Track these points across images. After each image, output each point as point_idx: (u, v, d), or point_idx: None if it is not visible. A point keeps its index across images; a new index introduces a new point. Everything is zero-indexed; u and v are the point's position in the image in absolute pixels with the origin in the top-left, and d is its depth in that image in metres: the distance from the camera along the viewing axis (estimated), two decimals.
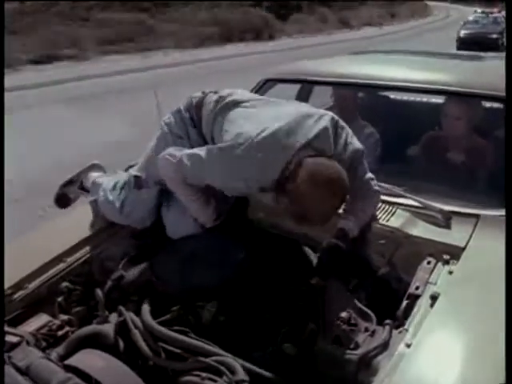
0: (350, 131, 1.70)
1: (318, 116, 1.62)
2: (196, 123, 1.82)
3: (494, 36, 18.16)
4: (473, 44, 16.21)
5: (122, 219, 1.85)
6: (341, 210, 1.62)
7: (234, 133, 1.57)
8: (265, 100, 1.82)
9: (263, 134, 1.51)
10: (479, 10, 25.67)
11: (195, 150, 1.63)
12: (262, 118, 1.62)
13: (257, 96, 1.92)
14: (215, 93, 1.84)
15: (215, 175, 1.59)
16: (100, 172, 2.24)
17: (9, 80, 8.68)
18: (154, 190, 1.83)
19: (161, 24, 19.35)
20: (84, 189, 2.20)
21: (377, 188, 1.72)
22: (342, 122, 1.68)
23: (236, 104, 1.74)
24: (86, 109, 7.73)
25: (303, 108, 1.73)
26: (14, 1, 11.43)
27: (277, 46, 18.69)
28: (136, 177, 1.85)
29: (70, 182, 2.26)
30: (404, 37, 22.57)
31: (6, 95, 5.67)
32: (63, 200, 2.27)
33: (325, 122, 1.60)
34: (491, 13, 22.75)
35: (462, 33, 19.01)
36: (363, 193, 1.68)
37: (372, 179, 1.72)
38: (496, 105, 2.27)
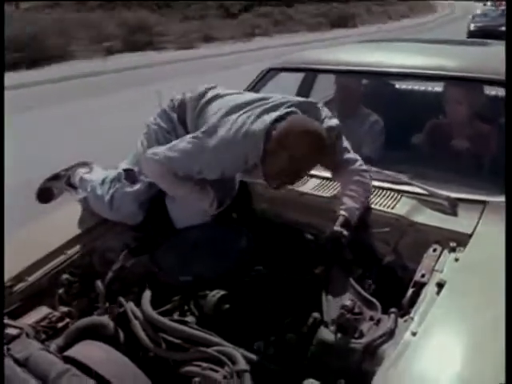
0: (326, 112, 1.74)
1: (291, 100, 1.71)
2: (182, 122, 1.85)
3: (503, 28, 17.97)
4: (483, 37, 16.05)
5: (111, 215, 1.82)
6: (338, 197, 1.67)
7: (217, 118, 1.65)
8: (243, 92, 1.88)
9: (243, 115, 1.61)
10: (489, 3, 25.25)
11: (177, 141, 1.68)
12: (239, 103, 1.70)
13: (234, 90, 1.93)
14: (194, 90, 1.89)
15: (204, 157, 1.61)
16: (87, 169, 2.20)
17: None
18: (145, 183, 1.81)
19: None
20: (71, 185, 2.16)
21: (364, 167, 1.73)
22: (317, 105, 1.74)
23: (216, 97, 1.79)
24: None
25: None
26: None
27: None
28: (127, 170, 1.84)
29: (56, 177, 2.22)
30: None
31: None
32: (45, 194, 2.22)
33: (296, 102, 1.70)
34: (499, 5, 22.50)
35: (472, 26, 18.77)
36: (354, 176, 1.69)
37: (357, 160, 1.74)
38: (500, 91, 2.24)
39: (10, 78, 8.27)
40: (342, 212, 1.58)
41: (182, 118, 1.84)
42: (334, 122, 1.70)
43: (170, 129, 1.84)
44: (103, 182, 1.88)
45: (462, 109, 2.18)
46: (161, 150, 1.66)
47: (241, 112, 1.63)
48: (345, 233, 1.52)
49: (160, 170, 1.67)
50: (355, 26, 23.62)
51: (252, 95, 1.80)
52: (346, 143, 1.75)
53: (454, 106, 2.21)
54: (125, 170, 1.84)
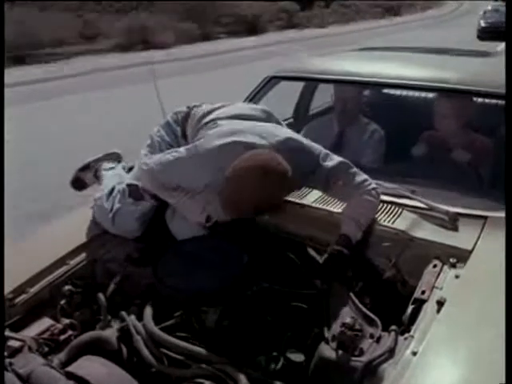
0: (323, 153, 1.75)
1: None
2: (184, 136, 1.91)
3: None
4: (494, 35, 15.40)
5: (113, 229, 1.83)
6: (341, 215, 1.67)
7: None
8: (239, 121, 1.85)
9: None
10: None
11: (162, 155, 1.74)
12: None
13: (237, 111, 1.94)
14: (199, 107, 1.95)
15: (181, 173, 1.69)
16: (112, 163, 2.25)
17: None
18: (150, 202, 1.83)
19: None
20: (98, 177, 2.22)
21: (372, 188, 1.70)
22: (309, 148, 1.75)
23: (214, 121, 1.82)
24: None
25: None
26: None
27: None
28: (130, 186, 1.85)
29: (86, 168, 2.29)
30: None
31: None
32: (79, 183, 2.31)
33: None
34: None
35: (483, 23, 18.23)
36: (359, 196, 1.67)
37: (365, 181, 1.70)
38: (501, 103, 2.25)
39: None
40: (345, 232, 1.58)
41: (184, 132, 1.85)
42: (333, 161, 1.71)
43: (173, 142, 1.88)
44: (110, 194, 1.89)
45: (449, 122, 2.20)
46: (151, 160, 1.73)
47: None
48: (345, 252, 1.53)
49: (149, 179, 1.75)
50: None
51: (247, 125, 1.79)
52: (354, 169, 1.72)
53: (444, 118, 2.22)
54: (129, 185, 1.85)
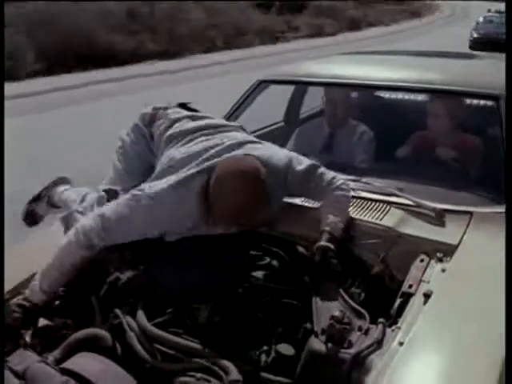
0: (293, 158, 1.74)
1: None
2: (153, 138, 1.88)
3: None
4: (486, 45, 15.22)
5: None
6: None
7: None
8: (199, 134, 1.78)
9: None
10: (493, 9, 24.72)
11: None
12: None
13: (199, 128, 1.83)
14: (165, 110, 1.90)
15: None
16: (66, 185, 2.19)
17: None
18: None
19: None
20: (53, 205, 2.15)
21: (342, 183, 1.75)
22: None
23: (175, 138, 1.78)
24: None
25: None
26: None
27: None
28: (107, 191, 1.82)
29: (37, 198, 2.21)
30: None
31: None
32: (31, 217, 2.22)
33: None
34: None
35: (475, 34, 18.10)
36: (332, 192, 1.72)
37: (334, 177, 1.75)
38: (486, 102, 2.30)
39: None
40: (326, 228, 1.61)
41: (151, 134, 1.87)
42: (302, 165, 1.72)
43: (144, 144, 1.88)
44: (83, 200, 1.88)
45: (441, 121, 2.25)
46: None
47: (182, 169, 1.61)
48: (332, 247, 1.56)
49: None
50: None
51: (210, 142, 1.71)
52: (322, 169, 1.76)
53: (433, 118, 2.28)
54: (105, 191, 1.81)
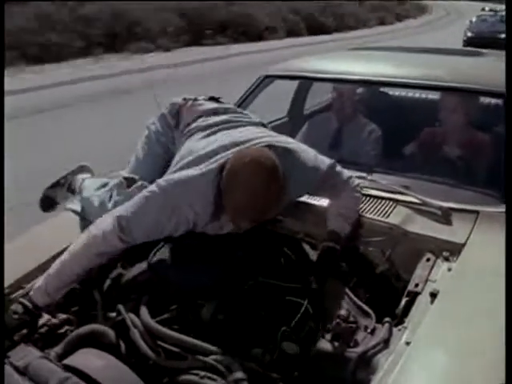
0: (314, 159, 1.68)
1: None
2: (177, 127, 1.86)
3: (504, 36, 17.37)
4: (480, 45, 15.12)
5: None
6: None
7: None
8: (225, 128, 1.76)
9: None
10: (487, 8, 24.31)
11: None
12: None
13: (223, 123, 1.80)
14: (195, 101, 1.88)
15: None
16: (88, 174, 2.19)
17: None
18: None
19: None
20: (73, 191, 2.15)
21: (357, 185, 1.74)
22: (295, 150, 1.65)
23: (197, 132, 1.75)
24: None
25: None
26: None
27: None
28: (127, 178, 1.81)
29: (56, 185, 2.21)
30: None
31: None
32: (48, 203, 2.22)
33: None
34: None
35: (469, 33, 17.77)
36: (346, 193, 1.71)
37: (350, 178, 1.73)
38: (494, 100, 2.28)
39: None
40: (334, 227, 1.61)
41: (178, 124, 1.86)
42: (324, 164, 1.67)
43: (169, 135, 1.87)
44: (103, 187, 1.88)
45: (457, 117, 2.21)
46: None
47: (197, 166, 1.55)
48: (336, 247, 1.55)
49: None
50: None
51: (229, 137, 1.65)
52: (339, 168, 1.73)
53: (449, 114, 2.24)
54: (125, 179, 1.82)
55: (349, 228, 1.64)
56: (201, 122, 1.80)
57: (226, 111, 1.87)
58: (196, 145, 1.67)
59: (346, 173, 1.75)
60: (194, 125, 1.79)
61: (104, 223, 1.51)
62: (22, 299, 1.46)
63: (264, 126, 1.90)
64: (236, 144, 1.58)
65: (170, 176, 1.57)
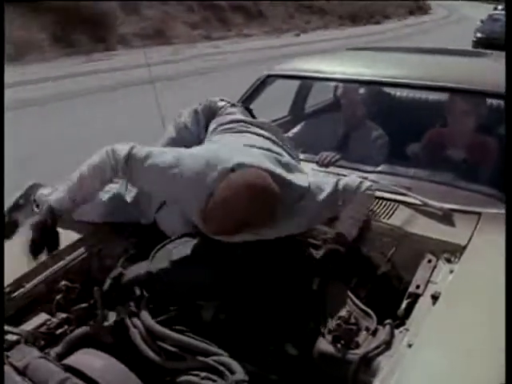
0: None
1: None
2: (206, 126, 1.84)
3: None
4: (491, 46, 14.51)
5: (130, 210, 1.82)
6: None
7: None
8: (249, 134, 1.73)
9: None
10: (500, 7, 23.46)
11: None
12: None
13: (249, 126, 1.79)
14: (230, 108, 1.87)
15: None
16: (49, 189, 2.02)
17: None
18: None
19: None
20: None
21: (367, 189, 1.67)
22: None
23: (219, 139, 1.72)
24: None
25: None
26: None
27: None
28: None
29: (16, 207, 2.07)
30: None
31: None
32: (12, 227, 1.99)
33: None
34: None
35: (479, 34, 17.29)
36: (356, 196, 1.65)
37: (361, 182, 1.67)
38: (496, 101, 2.28)
39: None
40: (341, 230, 1.60)
41: (207, 123, 1.85)
42: (326, 190, 1.59)
43: (196, 132, 1.85)
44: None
45: (467, 119, 2.20)
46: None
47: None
48: (341, 250, 1.54)
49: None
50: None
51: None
52: (344, 180, 1.66)
53: (460, 116, 2.21)
54: None
55: (356, 232, 1.63)
56: (227, 129, 1.76)
57: (251, 126, 1.80)
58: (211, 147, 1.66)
59: (355, 179, 1.68)
60: (220, 128, 1.78)
61: (122, 147, 1.56)
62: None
63: (288, 147, 1.81)
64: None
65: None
